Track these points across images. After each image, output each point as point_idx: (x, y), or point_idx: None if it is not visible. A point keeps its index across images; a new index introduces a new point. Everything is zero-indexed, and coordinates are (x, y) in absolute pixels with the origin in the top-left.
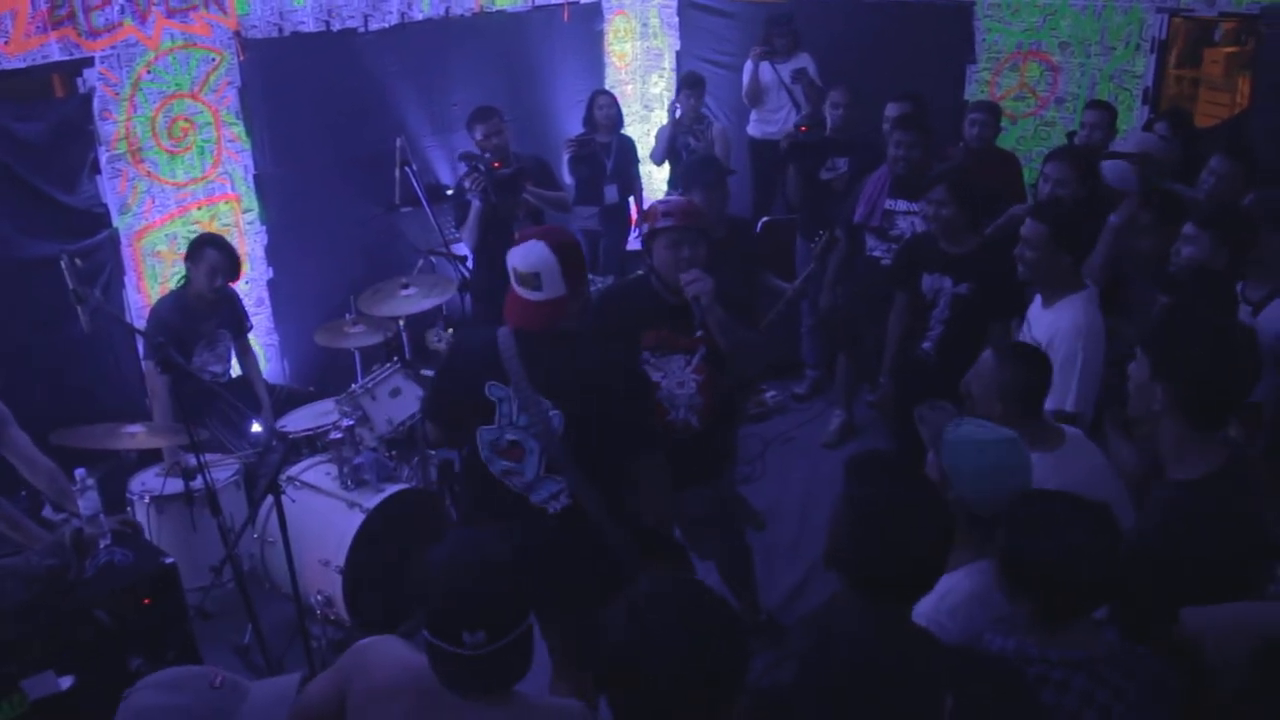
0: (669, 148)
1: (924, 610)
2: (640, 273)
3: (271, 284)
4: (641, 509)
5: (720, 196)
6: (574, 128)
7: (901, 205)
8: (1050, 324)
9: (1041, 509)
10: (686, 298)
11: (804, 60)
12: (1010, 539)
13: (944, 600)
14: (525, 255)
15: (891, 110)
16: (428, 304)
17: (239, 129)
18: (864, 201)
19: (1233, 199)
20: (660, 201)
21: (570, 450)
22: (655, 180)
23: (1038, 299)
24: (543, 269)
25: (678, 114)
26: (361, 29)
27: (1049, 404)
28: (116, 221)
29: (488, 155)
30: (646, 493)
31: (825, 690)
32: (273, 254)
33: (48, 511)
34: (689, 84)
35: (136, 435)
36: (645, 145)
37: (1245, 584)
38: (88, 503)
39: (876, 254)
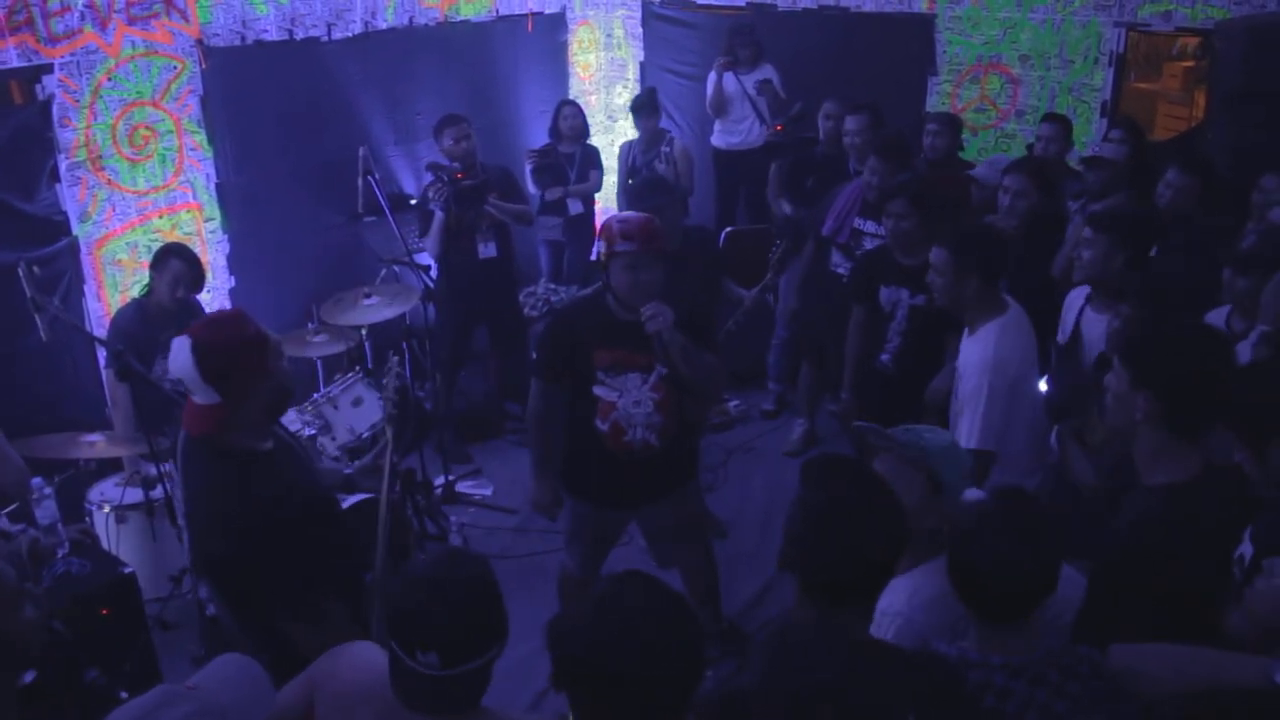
0: (630, 170)
1: (897, 607)
2: (595, 286)
3: (234, 293)
4: None
5: (670, 216)
6: (538, 138)
7: (870, 226)
8: (966, 355)
9: (979, 516)
10: (647, 330)
11: (767, 71)
12: (955, 543)
13: (915, 595)
14: (174, 355)
15: (851, 124)
16: (390, 313)
17: (201, 137)
18: (833, 216)
19: (1189, 211)
20: (619, 220)
21: (216, 592)
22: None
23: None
24: (184, 375)
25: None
26: (325, 38)
27: (961, 440)
28: (76, 229)
29: (455, 164)
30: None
31: (784, 697)
32: (235, 263)
33: (4, 522)
34: (638, 109)
35: (96, 444)
36: (608, 155)
37: (1222, 588)
38: (45, 512)
39: (840, 270)
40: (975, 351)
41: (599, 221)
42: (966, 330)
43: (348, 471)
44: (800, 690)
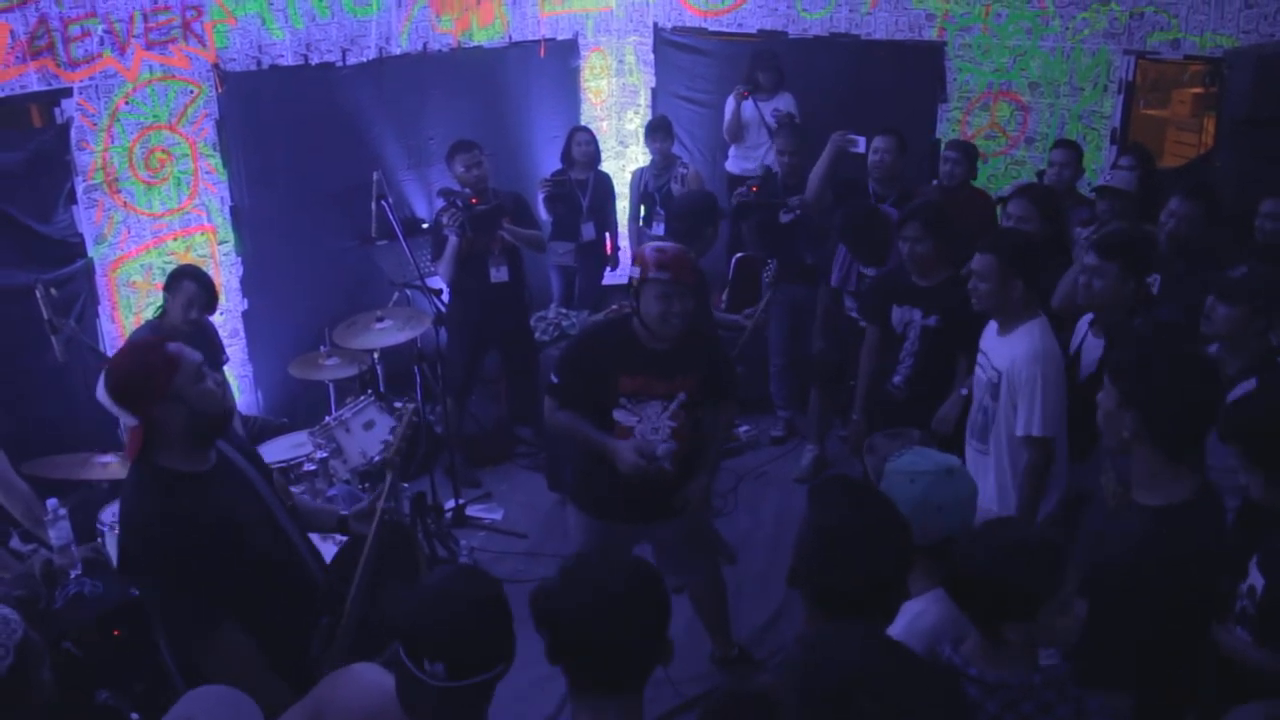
0: (642, 195)
1: (893, 630)
2: (616, 308)
3: (246, 315)
4: None
5: (711, 240)
6: (550, 163)
7: (872, 272)
8: (1008, 352)
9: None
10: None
11: (786, 99)
12: (958, 550)
13: (915, 623)
14: (98, 386)
15: (879, 143)
16: (402, 337)
17: (216, 161)
18: (838, 267)
19: (1193, 238)
20: (653, 249)
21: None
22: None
23: (991, 328)
24: (103, 400)
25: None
26: (340, 63)
27: (1018, 430)
28: (92, 251)
29: (467, 190)
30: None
31: (816, 689)
32: (248, 286)
33: (15, 543)
34: (653, 130)
35: (109, 465)
36: (620, 181)
37: (1213, 612)
38: (59, 533)
39: (855, 314)
40: (1020, 345)
41: (608, 246)
42: (994, 332)
43: (344, 513)
44: (834, 680)
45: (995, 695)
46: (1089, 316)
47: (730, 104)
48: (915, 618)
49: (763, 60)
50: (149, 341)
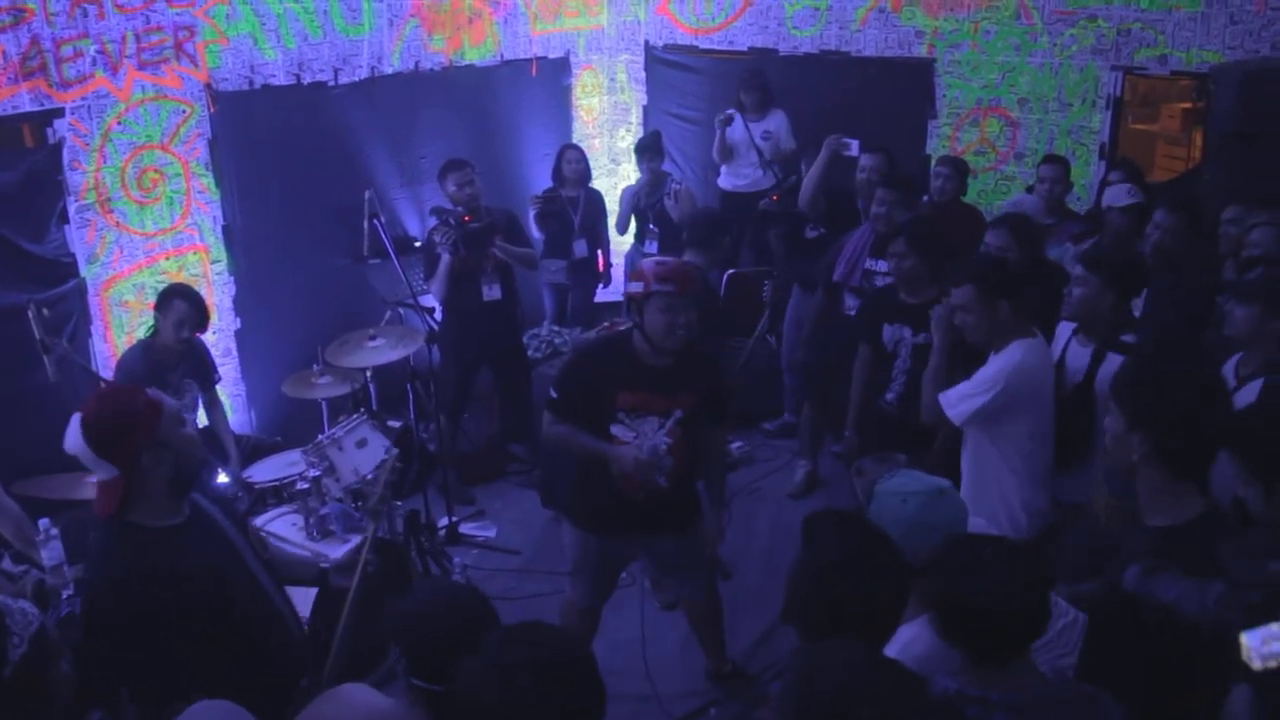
0: (632, 212)
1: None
2: (608, 325)
3: (239, 334)
4: None
5: (719, 255)
6: (542, 181)
7: (881, 266)
8: (990, 362)
9: (968, 553)
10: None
11: (778, 118)
12: (941, 584)
13: (907, 650)
14: (68, 433)
15: (866, 161)
16: (395, 355)
17: (208, 180)
18: (844, 261)
19: (1177, 250)
20: (653, 262)
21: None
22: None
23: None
24: (78, 452)
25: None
26: (331, 82)
27: (945, 402)
28: (84, 271)
29: (459, 208)
30: None
31: (819, 704)
32: (240, 305)
33: (7, 563)
34: (642, 150)
35: None
36: (612, 199)
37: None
38: (51, 553)
39: (853, 313)
40: (1000, 358)
41: (600, 263)
42: (992, 354)
43: (325, 566)
44: (832, 693)
45: (1024, 713)
46: (1070, 325)
47: (716, 131)
48: (908, 644)
49: (747, 81)
50: (127, 388)
